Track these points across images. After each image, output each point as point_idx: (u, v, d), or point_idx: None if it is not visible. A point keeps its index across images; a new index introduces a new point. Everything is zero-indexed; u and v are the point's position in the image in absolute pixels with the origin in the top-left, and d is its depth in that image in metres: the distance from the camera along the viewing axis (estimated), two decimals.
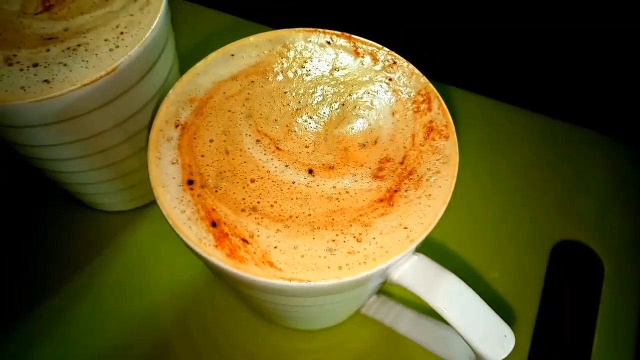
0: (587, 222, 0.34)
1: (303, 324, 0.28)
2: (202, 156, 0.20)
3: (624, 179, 0.36)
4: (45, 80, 0.22)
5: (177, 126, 0.21)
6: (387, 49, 0.23)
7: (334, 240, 0.18)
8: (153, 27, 0.24)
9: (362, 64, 0.23)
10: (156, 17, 0.24)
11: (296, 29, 0.24)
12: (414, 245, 0.18)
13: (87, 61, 0.23)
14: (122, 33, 0.24)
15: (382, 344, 0.29)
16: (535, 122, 0.38)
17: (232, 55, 0.23)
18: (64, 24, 0.24)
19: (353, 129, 0.20)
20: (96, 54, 0.23)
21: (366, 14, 0.47)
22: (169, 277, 0.32)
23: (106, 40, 0.23)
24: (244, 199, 0.19)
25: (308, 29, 0.24)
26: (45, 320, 0.30)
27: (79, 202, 0.34)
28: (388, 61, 0.23)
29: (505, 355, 0.18)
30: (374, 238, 0.18)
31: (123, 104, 0.24)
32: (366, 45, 0.23)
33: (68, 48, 0.23)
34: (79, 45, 0.23)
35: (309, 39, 0.23)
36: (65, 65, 0.22)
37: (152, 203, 0.35)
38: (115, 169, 0.29)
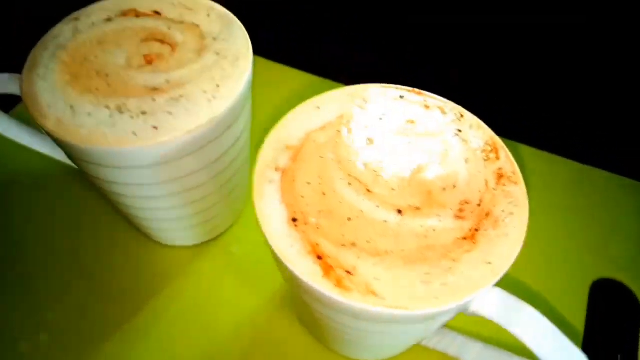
0: (624, 263, 0.36)
1: (374, 353, 0.29)
2: (302, 197, 0.22)
3: None
4: (154, 127, 0.25)
5: (277, 170, 0.23)
6: (453, 103, 0.26)
7: (427, 274, 0.20)
8: (244, 81, 0.27)
9: (432, 116, 0.26)
10: (246, 72, 0.27)
11: (372, 84, 0.27)
12: (497, 279, 0.20)
13: (189, 110, 0.25)
14: (218, 86, 0.27)
15: None
16: (571, 169, 0.41)
17: (318, 107, 0.26)
18: (166, 77, 0.27)
19: (433, 174, 0.23)
20: (197, 104, 0.26)
21: (429, 70, 0.51)
22: (233, 308, 0.34)
23: (204, 91, 0.26)
24: (343, 235, 0.21)
25: (383, 84, 0.27)
26: (112, 355, 0.32)
27: (144, 235, 0.36)
28: (456, 114, 0.26)
29: None
30: (462, 272, 0.20)
31: (213, 148, 0.27)
32: (435, 100, 0.26)
33: (172, 98, 0.26)
34: (181, 96, 0.26)
35: (384, 94, 0.26)
36: (170, 113, 0.25)
37: (215, 238, 0.37)
38: (194, 206, 0.31)
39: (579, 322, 0.34)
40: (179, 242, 0.36)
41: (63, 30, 0.29)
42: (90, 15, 0.30)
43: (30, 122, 0.27)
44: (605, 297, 0.36)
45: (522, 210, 0.22)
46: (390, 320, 0.20)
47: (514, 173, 0.23)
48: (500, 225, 0.22)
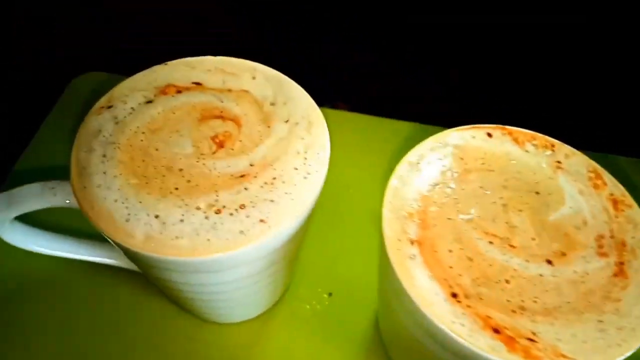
0: None
1: None
2: (451, 267, 0.21)
3: None
4: (261, 220, 0.22)
5: (412, 243, 0.22)
6: (540, 134, 0.26)
7: (600, 321, 0.20)
8: (327, 146, 0.25)
9: (527, 151, 0.26)
10: (325, 135, 0.25)
11: (454, 128, 0.26)
12: None
13: (290, 193, 0.23)
14: (305, 158, 0.24)
15: None
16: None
17: (418, 163, 0.25)
18: (247, 159, 0.24)
19: (561, 214, 0.23)
20: (295, 184, 0.23)
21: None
22: None
23: (296, 168, 0.24)
24: (508, 300, 0.20)
25: (464, 127, 0.26)
26: None
27: (202, 319, 0.33)
28: (547, 146, 0.26)
29: None
30: (628, 311, 0.20)
31: (307, 222, 0.25)
32: (522, 134, 0.26)
33: (266, 183, 0.23)
34: (274, 179, 0.23)
35: (472, 136, 0.26)
36: (272, 201, 0.23)
37: (277, 303, 0.34)
38: (272, 283, 0.29)
39: None
40: (243, 318, 0.33)
41: (101, 123, 0.25)
42: (123, 98, 0.26)
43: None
44: None
45: None
46: None
47: (624, 196, 0.24)
48: (638, 254, 0.22)
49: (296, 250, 0.28)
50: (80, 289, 0.34)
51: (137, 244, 0.21)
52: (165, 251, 0.21)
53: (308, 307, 0.34)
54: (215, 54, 0.29)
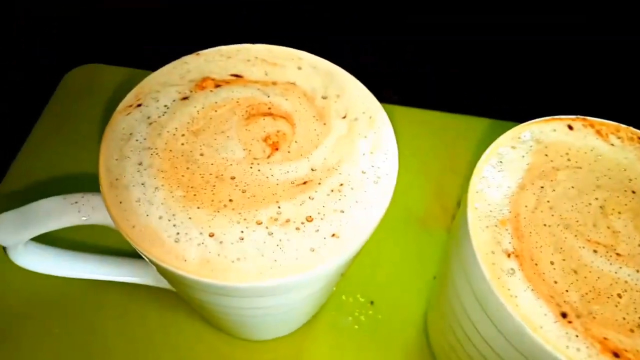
0: None
1: None
2: (556, 283, 0.19)
3: None
4: (333, 235, 0.19)
5: (509, 257, 0.19)
6: (622, 125, 0.24)
7: None
8: (394, 141, 0.22)
9: (612, 145, 0.23)
10: (390, 132, 0.22)
11: (532, 121, 0.23)
12: None
13: (360, 202, 0.20)
14: (373, 160, 0.21)
15: None
16: None
17: (501, 162, 0.22)
18: (306, 163, 0.21)
19: None
20: (365, 191, 0.20)
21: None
22: None
23: (363, 172, 0.21)
24: (624, 318, 0.18)
25: (543, 118, 0.23)
26: None
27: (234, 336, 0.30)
28: (632, 139, 0.23)
29: None
30: None
31: None
32: (605, 126, 0.24)
33: (332, 190, 0.20)
34: (341, 185, 0.20)
35: (553, 129, 0.23)
36: (342, 212, 0.19)
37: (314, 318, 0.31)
38: (311, 303, 0.26)
39: None
40: (281, 334, 0.30)
41: (132, 124, 0.21)
42: (154, 95, 0.22)
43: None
44: None
45: None
46: None
47: None
48: None
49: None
50: (98, 307, 0.30)
51: (191, 268, 0.18)
52: (227, 277, 0.18)
53: (350, 318, 0.32)
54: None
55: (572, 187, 0.21)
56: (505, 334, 0.19)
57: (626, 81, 0.49)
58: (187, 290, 0.20)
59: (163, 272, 0.19)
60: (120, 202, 0.19)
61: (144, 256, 0.18)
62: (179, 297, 0.26)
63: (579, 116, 0.24)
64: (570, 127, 0.23)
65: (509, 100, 0.48)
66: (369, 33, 0.51)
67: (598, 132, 0.23)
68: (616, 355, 0.17)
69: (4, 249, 0.22)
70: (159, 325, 0.30)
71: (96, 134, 0.37)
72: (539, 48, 0.51)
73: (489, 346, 0.21)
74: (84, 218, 0.20)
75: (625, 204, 0.21)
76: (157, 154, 0.20)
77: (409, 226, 0.35)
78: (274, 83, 0.24)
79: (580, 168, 0.22)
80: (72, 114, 0.39)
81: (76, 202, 0.21)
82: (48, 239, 0.25)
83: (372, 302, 0.32)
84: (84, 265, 0.25)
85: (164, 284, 0.25)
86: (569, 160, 0.22)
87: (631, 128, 0.24)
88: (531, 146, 0.23)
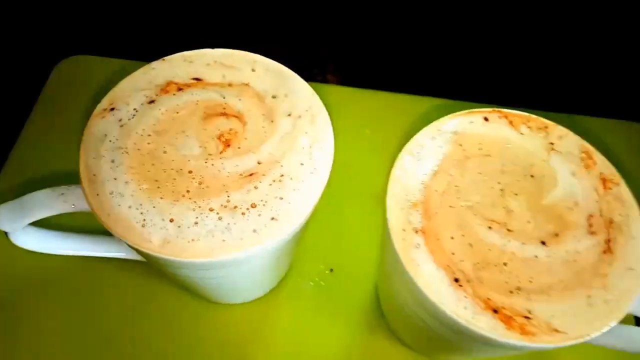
0: None
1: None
2: (453, 254, 0.23)
3: None
4: (272, 218, 0.23)
5: (416, 232, 0.23)
6: (534, 115, 0.27)
7: (589, 296, 0.22)
8: (331, 138, 0.26)
9: (522, 134, 0.27)
10: (329, 127, 0.26)
11: (452, 114, 0.27)
12: None
13: (298, 190, 0.24)
14: (311, 153, 0.25)
15: None
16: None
17: (418, 152, 0.25)
18: (254, 157, 0.25)
19: (554, 197, 0.24)
20: (302, 180, 0.24)
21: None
22: (328, 339, 0.34)
23: (302, 164, 0.25)
24: (506, 282, 0.22)
25: (462, 112, 0.27)
26: None
27: (214, 302, 0.35)
28: (540, 127, 0.27)
29: None
30: (614, 285, 0.22)
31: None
32: (516, 116, 0.27)
33: (274, 180, 0.24)
34: (282, 176, 0.24)
35: (470, 121, 0.27)
36: (282, 198, 0.24)
37: (281, 282, 0.36)
38: (277, 266, 0.30)
39: None
40: (251, 298, 0.35)
41: (106, 127, 0.25)
42: (125, 100, 0.26)
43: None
44: None
45: (634, 210, 0.24)
46: (568, 346, 0.22)
47: (613, 174, 0.25)
48: (624, 231, 0.24)
49: (300, 237, 0.29)
50: (94, 282, 0.35)
51: (155, 248, 0.22)
52: (183, 254, 0.22)
53: (311, 283, 0.36)
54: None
55: (480, 173, 0.25)
56: (414, 297, 0.23)
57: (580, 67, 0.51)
58: (157, 265, 0.25)
59: (135, 250, 0.23)
60: (97, 195, 0.23)
61: (119, 239, 0.23)
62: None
63: (494, 108, 0.27)
64: (486, 119, 0.27)
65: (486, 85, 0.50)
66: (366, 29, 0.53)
67: (511, 123, 0.27)
68: (495, 311, 0.22)
69: (5, 233, 0.26)
70: (141, 293, 0.35)
71: None
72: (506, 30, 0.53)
73: (409, 307, 0.26)
74: (70, 207, 0.25)
75: (523, 187, 0.25)
76: (127, 152, 0.24)
77: (366, 201, 0.39)
78: (230, 85, 0.27)
79: (490, 156, 0.26)
80: (64, 106, 0.43)
81: (63, 194, 0.25)
82: (42, 223, 0.29)
83: (331, 270, 0.37)
84: (73, 244, 0.30)
85: (142, 257, 0.30)
86: (480, 149, 0.26)
87: (541, 119, 0.27)
88: (449, 137, 0.26)
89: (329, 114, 0.27)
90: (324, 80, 0.48)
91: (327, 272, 0.37)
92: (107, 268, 0.35)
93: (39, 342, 0.33)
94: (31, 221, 0.25)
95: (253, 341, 0.34)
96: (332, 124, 0.27)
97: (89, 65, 0.46)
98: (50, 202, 0.25)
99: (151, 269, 0.32)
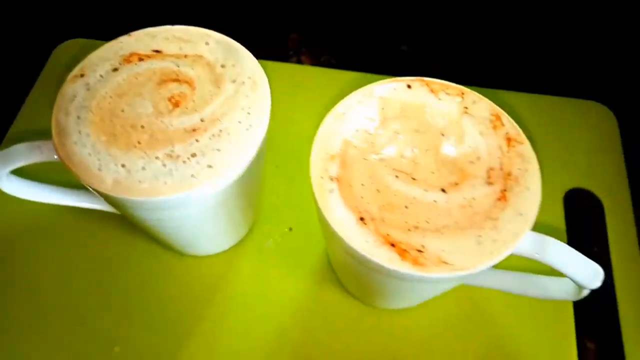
0: (583, 172, 0.44)
1: (419, 300, 0.35)
2: (362, 198, 0.26)
3: (602, 133, 0.46)
4: (209, 166, 0.27)
5: (332, 180, 0.27)
6: (452, 84, 0.30)
7: (479, 236, 0.25)
8: (268, 102, 0.29)
9: (440, 99, 0.30)
10: (267, 93, 0.30)
11: (380, 81, 0.30)
12: (530, 226, 0.26)
13: (233, 143, 0.28)
14: (248, 113, 0.29)
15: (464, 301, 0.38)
16: (530, 100, 0.47)
17: (344, 113, 0.29)
18: (198, 116, 0.28)
19: (460, 152, 0.28)
20: (238, 135, 0.28)
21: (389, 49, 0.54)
22: (284, 294, 0.38)
23: (240, 122, 0.28)
24: (406, 221, 0.26)
25: (389, 79, 0.30)
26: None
27: (180, 253, 0.39)
28: (458, 94, 0.30)
29: (600, 283, 0.27)
30: (503, 227, 0.25)
31: (254, 166, 0.30)
32: (437, 84, 0.30)
33: (213, 135, 0.28)
34: (220, 131, 0.28)
35: (394, 88, 0.30)
36: (218, 150, 0.27)
37: (245, 238, 0.40)
38: (232, 219, 0.34)
39: (561, 227, 0.42)
40: (215, 251, 0.39)
41: (76, 90, 0.29)
42: (93, 67, 0.30)
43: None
44: (576, 203, 0.44)
45: (533, 165, 0.27)
46: (458, 280, 0.25)
47: (518, 135, 0.28)
48: (520, 182, 0.27)
49: (248, 192, 0.33)
50: (72, 232, 0.40)
51: (107, 188, 0.26)
52: (131, 193, 0.26)
53: (271, 240, 0.40)
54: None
55: (395, 132, 0.28)
56: (331, 236, 0.27)
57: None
58: (116, 207, 0.29)
59: (94, 191, 0.27)
60: (64, 144, 0.27)
61: (80, 181, 0.27)
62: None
63: (418, 77, 0.30)
64: (409, 86, 0.30)
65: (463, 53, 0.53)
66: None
67: (432, 90, 0.30)
68: (393, 245, 0.25)
69: None
70: (116, 244, 0.40)
71: None
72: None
73: (337, 252, 0.29)
74: (45, 157, 0.29)
75: (433, 144, 0.28)
76: (90, 110, 0.28)
77: None
78: (186, 56, 0.31)
79: (407, 117, 0.29)
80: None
81: (39, 146, 0.29)
82: (30, 176, 0.34)
83: (290, 229, 0.41)
84: (50, 193, 0.34)
85: (113, 208, 0.34)
86: (400, 112, 0.29)
87: (460, 86, 0.30)
88: (373, 102, 0.30)
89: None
90: (298, 61, 0.52)
91: (286, 230, 0.41)
92: (89, 220, 0.39)
93: (19, 286, 0.38)
94: (13, 168, 0.30)
95: (216, 290, 0.38)
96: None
97: (86, 48, 0.51)
98: (28, 153, 0.29)
99: (126, 221, 0.37)
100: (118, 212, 0.33)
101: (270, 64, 0.48)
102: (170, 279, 0.39)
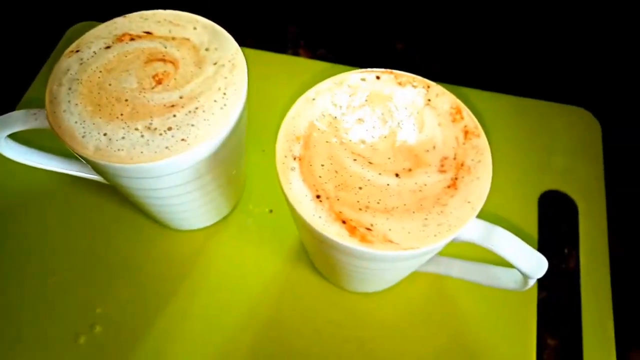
0: (561, 175, 0.45)
1: (381, 285, 0.37)
2: (320, 177, 0.28)
3: (584, 139, 0.47)
4: (183, 139, 0.29)
5: (295, 159, 0.29)
6: (420, 77, 0.32)
7: (426, 219, 0.27)
8: (245, 85, 0.32)
9: (406, 92, 0.31)
10: (244, 77, 0.32)
11: (352, 71, 0.32)
12: (476, 213, 0.27)
13: (208, 120, 0.30)
14: (225, 93, 0.31)
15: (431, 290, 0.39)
16: (508, 102, 0.48)
17: (314, 99, 0.31)
18: (178, 93, 0.31)
19: (416, 141, 0.29)
20: (213, 113, 0.30)
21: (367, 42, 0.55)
22: (259, 272, 0.40)
23: (215, 101, 0.31)
24: (358, 201, 0.27)
25: (361, 70, 0.32)
26: (151, 341, 0.37)
27: (165, 226, 0.41)
28: (423, 87, 0.31)
29: (543, 273, 0.28)
30: (450, 212, 0.27)
31: (229, 146, 0.32)
32: (405, 77, 0.32)
33: (189, 111, 0.30)
34: (197, 108, 0.30)
35: (365, 78, 0.32)
36: (193, 125, 0.30)
37: (227, 216, 0.42)
38: (211, 194, 0.36)
39: (533, 227, 0.43)
40: (197, 226, 0.41)
41: (70, 63, 0.32)
42: (88, 44, 0.33)
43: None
44: (550, 205, 0.45)
45: (486, 157, 0.29)
46: (403, 259, 0.27)
47: (476, 128, 0.30)
48: (472, 172, 0.28)
49: (226, 171, 0.35)
50: (63, 199, 0.43)
51: (89, 153, 0.29)
52: (109, 159, 0.28)
53: (252, 220, 0.42)
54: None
55: (358, 117, 0.30)
56: (292, 212, 0.29)
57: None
58: (99, 173, 0.31)
59: (80, 158, 0.30)
60: (54, 112, 0.30)
61: (66, 146, 0.29)
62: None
63: (387, 69, 0.32)
64: (378, 77, 0.32)
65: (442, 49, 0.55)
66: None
67: (399, 83, 0.32)
68: (344, 222, 0.27)
69: None
70: (109, 213, 0.42)
71: None
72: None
73: (301, 231, 0.31)
74: (39, 124, 0.32)
75: (392, 130, 0.30)
76: (81, 83, 0.31)
77: None
78: (173, 38, 0.34)
79: (372, 106, 0.31)
80: None
81: (35, 114, 0.32)
82: (28, 142, 0.37)
83: (271, 211, 0.43)
84: (43, 159, 0.37)
85: (100, 178, 0.37)
86: (367, 100, 0.31)
87: (426, 80, 0.32)
88: (343, 89, 0.31)
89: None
90: (295, 53, 0.54)
91: (267, 211, 0.43)
92: (81, 190, 0.42)
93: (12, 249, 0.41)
94: (10, 132, 0.33)
95: (193, 264, 0.40)
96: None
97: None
98: (24, 119, 0.32)
99: (116, 193, 0.39)
100: (107, 182, 0.36)
101: (265, 54, 0.51)
102: (152, 250, 0.41)
